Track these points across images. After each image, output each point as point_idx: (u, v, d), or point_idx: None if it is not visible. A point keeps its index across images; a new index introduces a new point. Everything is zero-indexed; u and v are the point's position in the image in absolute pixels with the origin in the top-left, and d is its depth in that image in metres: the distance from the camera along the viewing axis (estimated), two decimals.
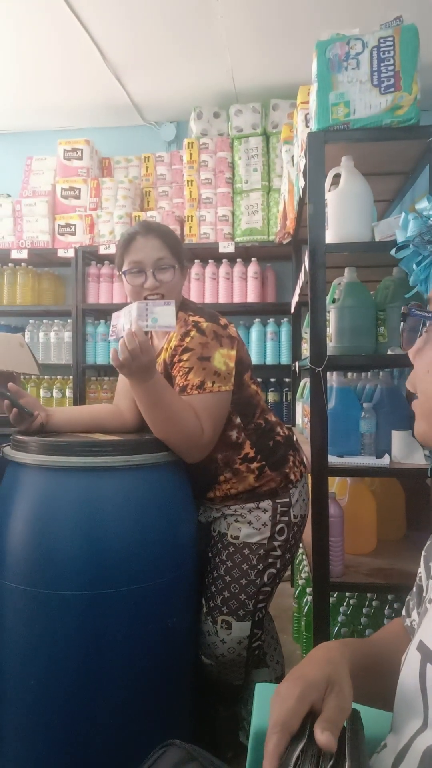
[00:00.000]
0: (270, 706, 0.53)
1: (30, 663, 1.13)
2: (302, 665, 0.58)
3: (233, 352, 1.35)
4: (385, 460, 1.57)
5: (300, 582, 2.22)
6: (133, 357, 1.16)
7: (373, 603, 1.88)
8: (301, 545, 1.87)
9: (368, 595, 1.93)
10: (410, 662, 0.56)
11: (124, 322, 1.21)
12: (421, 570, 0.65)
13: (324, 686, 0.53)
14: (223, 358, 1.32)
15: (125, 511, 1.17)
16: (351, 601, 1.96)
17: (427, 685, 0.53)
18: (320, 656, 0.59)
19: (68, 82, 3.24)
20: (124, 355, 1.16)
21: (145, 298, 1.37)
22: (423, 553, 0.66)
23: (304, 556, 2.16)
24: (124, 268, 1.41)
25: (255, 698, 0.75)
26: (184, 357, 1.31)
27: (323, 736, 0.47)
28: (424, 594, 0.63)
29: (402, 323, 0.60)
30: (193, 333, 1.32)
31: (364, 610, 1.89)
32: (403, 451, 1.59)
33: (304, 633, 2.12)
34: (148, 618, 1.17)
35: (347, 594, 1.98)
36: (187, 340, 1.32)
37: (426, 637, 0.56)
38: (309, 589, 1.94)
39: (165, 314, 1.19)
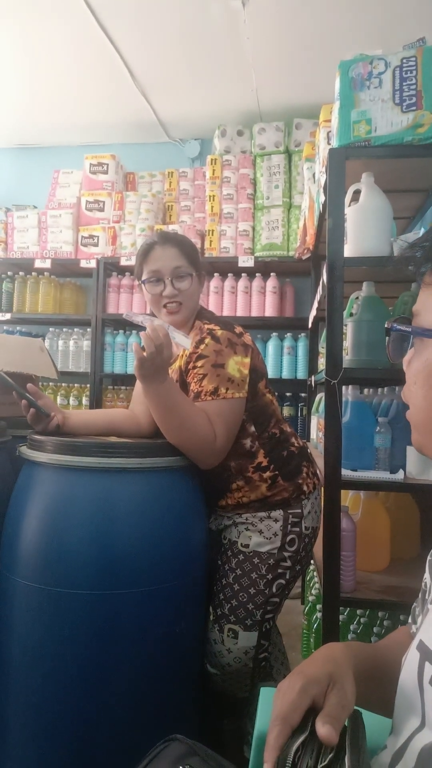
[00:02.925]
0: (272, 702, 0.53)
1: (37, 660, 1.14)
2: (304, 663, 0.58)
3: (247, 360, 1.36)
4: (399, 475, 1.55)
5: (310, 599, 2.20)
6: (158, 351, 1.17)
7: (385, 623, 1.85)
8: (312, 561, 1.85)
9: (379, 614, 1.90)
10: (410, 661, 0.56)
11: (143, 320, 1.24)
12: (426, 575, 0.65)
13: (326, 682, 0.53)
14: (237, 365, 1.33)
15: (137, 512, 1.17)
16: (362, 620, 1.93)
17: (425, 684, 0.53)
18: (323, 655, 0.59)
19: (98, 100, 3.34)
20: (150, 349, 1.17)
21: (165, 306, 1.41)
22: (429, 557, 0.66)
23: (315, 573, 2.14)
24: (143, 278, 1.44)
25: (259, 702, 0.74)
26: (199, 364, 1.33)
27: (324, 729, 0.47)
28: (427, 596, 0.63)
29: (387, 337, 0.60)
30: (207, 340, 1.34)
31: (374, 629, 1.86)
32: (418, 466, 1.58)
33: (313, 650, 2.09)
34: (155, 620, 1.16)
35: (358, 612, 1.95)
36: (202, 347, 1.34)
37: (426, 637, 0.55)
38: (319, 606, 1.91)
39: (182, 341, 1.23)
